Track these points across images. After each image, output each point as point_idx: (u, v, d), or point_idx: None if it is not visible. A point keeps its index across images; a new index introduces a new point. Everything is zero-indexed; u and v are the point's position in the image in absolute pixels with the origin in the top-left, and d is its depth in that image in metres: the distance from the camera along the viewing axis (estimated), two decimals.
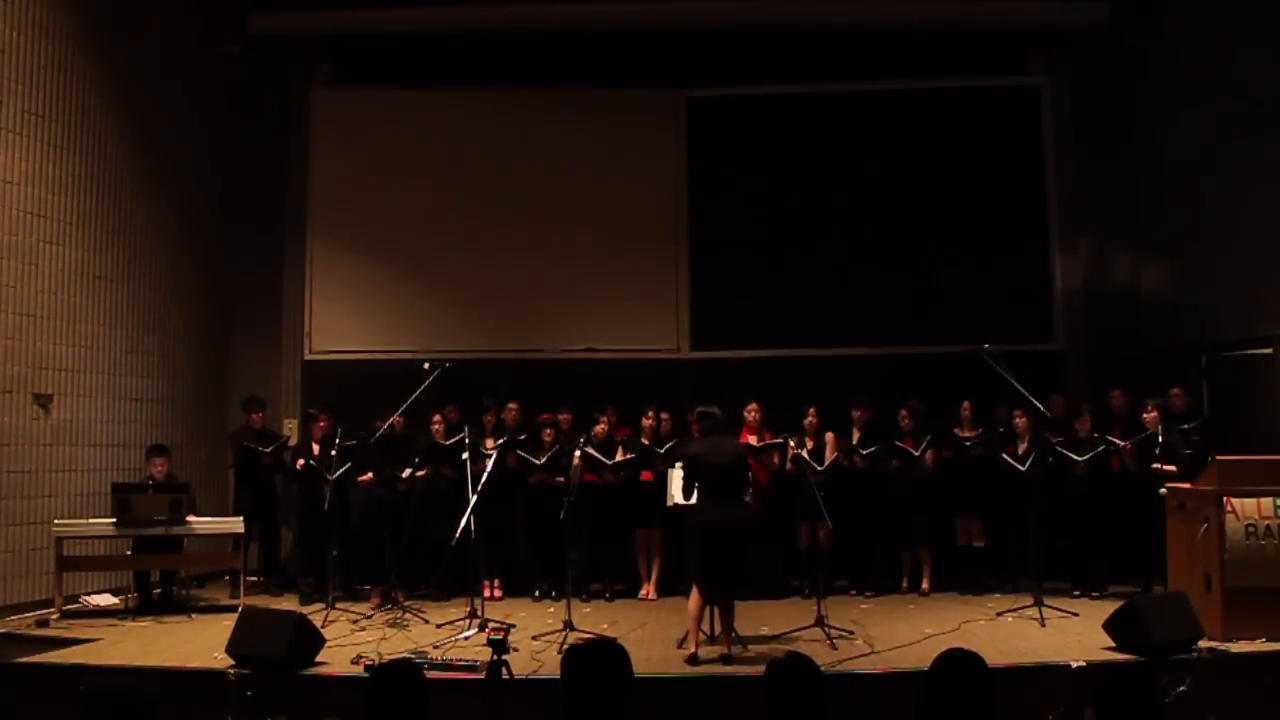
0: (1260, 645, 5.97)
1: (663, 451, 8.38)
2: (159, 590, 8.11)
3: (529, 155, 10.55)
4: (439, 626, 7.08)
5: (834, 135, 10.64)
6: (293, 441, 9.31)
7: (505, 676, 4.77)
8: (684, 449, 6.98)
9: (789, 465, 8.07)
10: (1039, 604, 7.03)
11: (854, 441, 8.55)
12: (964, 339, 8.66)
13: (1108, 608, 6.34)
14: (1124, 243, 10.56)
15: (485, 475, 7.37)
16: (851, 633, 6.67)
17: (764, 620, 7.10)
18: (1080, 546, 8.16)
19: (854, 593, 8.44)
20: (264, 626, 5.83)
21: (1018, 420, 8.19)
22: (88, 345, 8.58)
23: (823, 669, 3.26)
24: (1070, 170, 10.49)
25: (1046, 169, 10.51)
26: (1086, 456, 8.03)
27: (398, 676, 3.33)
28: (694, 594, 6.28)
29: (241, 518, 8.19)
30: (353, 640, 6.57)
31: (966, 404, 8.51)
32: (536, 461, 8.42)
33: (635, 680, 3.14)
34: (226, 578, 8.85)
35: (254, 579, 8.76)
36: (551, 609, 7.82)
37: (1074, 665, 5.60)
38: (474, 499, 7.08)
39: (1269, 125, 8.24)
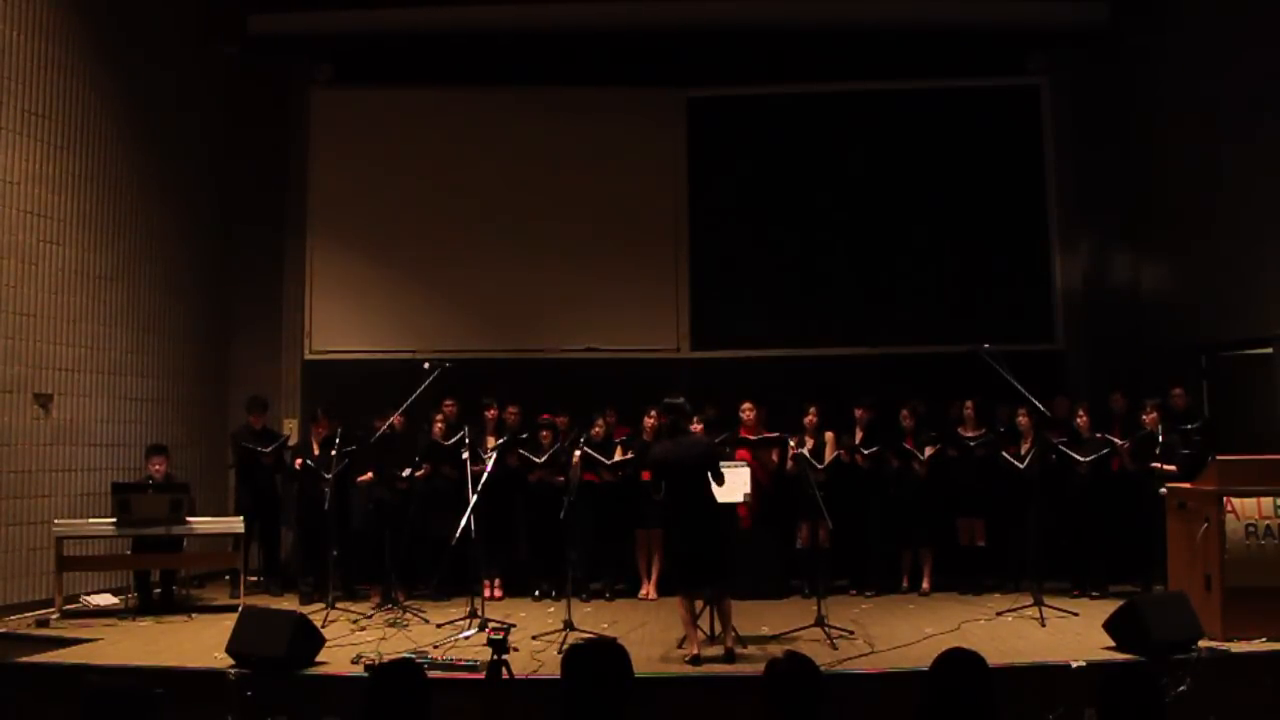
0: (1260, 645, 5.96)
1: None
2: (159, 590, 8.11)
3: (529, 155, 10.56)
4: (439, 626, 7.08)
5: (834, 135, 10.65)
6: (293, 441, 9.32)
7: (505, 676, 4.76)
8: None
9: (789, 464, 8.08)
10: (1039, 604, 7.03)
11: (856, 441, 8.55)
12: (964, 339, 8.65)
13: (1108, 608, 6.34)
14: (1124, 243, 10.55)
15: (485, 475, 7.37)
16: (851, 633, 6.67)
17: (764, 620, 7.09)
18: (1080, 546, 8.15)
19: (854, 592, 8.44)
20: (264, 626, 5.83)
21: (1021, 420, 8.19)
22: (88, 345, 8.58)
23: (823, 669, 3.26)
24: (1070, 170, 10.49)
25: (1046, 169, 10.52)
26: (1090, 458, 8.03)
27: (399, 676, 3.33)
28: (680, 597, 6.31)
29: (241, 518, 8.20)
30: (353, 640, 6.57)
31: (969, 404, 8.49)
32: (537, 460, 8.43)
33: (635, 680, 3.14)
34: (226, 578, 8.85)
35: (254, 579, 8.75)
36: (551, 609, 7.81)
37: (1074, 665, 5.60)
38: (474, 499, 7.08)
39: (1269, 125, 8.24)
